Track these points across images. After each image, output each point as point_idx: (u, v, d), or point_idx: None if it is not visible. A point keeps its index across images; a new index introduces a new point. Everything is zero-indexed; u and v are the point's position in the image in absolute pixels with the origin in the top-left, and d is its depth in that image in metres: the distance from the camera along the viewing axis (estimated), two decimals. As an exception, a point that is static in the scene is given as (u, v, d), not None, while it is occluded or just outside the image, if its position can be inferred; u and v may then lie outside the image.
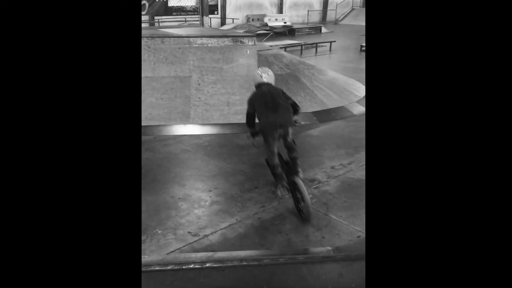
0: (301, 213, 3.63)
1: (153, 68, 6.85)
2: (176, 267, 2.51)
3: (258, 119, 3.67)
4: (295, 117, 3.72)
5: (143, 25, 10.62)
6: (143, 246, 3.24)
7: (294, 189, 3.69)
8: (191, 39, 6.99)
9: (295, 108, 3.74)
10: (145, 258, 2.90)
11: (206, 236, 3.44)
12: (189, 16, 10.97)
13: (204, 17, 9.91)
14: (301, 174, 3.69)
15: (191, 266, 2.55)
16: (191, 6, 10.55)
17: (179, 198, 4.11)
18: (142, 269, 2.31)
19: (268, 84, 3.79)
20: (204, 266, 2.53)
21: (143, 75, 6.87)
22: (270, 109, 3.57)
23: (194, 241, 3.36)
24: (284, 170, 3.80)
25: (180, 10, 10.50)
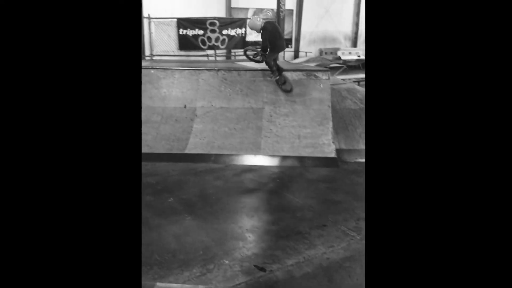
0: (283, 87, 6.87)
1: (228, 99, 7.14)
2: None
3: (270, 44, 6.41)
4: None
5: (220, 58, 11.22)
6: (210, 275, 3.28)
7: (281, 76, 6.93)
8: (266, 73, 7.20)
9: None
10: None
11: (272, 271, 3.38)
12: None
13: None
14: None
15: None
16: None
17: (246, 229, 4.12)
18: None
19: (270, 22, 6.44)
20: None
21: (218, 105, 7.19)
22: (278, 39, 6.57)
23: (260, 276, 3.31)
24: (276, 68, 6.84)
25: (256, 44, 10.92)
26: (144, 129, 7.00)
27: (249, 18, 6.34)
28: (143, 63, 9.15)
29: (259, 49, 6.61)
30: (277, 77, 6.85)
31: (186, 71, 8.03)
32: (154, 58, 10.02)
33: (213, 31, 9.67)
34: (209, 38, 9.72)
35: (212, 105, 7.42)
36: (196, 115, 7.31)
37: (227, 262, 3.49)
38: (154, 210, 4.52)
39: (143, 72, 7.83)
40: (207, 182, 5.45)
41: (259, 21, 6.34)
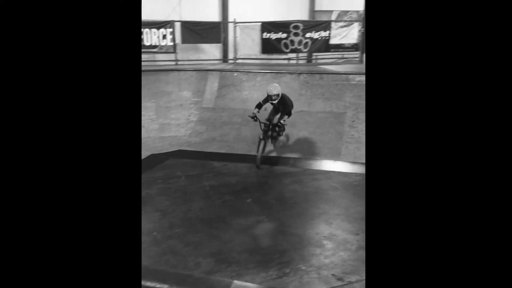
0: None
1: (309, 103, 7.07)
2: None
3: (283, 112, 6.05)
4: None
5: (301, 61, 11.15)
6: (286, 280, 3.25)
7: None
8: (350, 76, 6.99)
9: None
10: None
11: (351, 283, 3.24)
12: (347, 52, 11.04)
13: (364, 54, 9.89)
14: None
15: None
16: (350, 43, 10.61)
17: (324, 236, 4.01)
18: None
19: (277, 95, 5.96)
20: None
21: (299, 109, 7.15)
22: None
23: (338, 286, 3.19)
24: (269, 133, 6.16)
25: (338, 47, 10.66)
26: (225, 130, 7.24)
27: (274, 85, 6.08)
28: (227, 66, 9.49)
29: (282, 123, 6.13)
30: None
31: (268, 74, 8.14)
32: (238, 61, 10.32)
33: (296, 34, 9.64)
34: (291, 42, 9.71)
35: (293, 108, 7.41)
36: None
37: (303, 267, 3.43)
38: (232, 209, 4.63)
39: (226, 74, 8.11)
40: (284, 185, 5.44)
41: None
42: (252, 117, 6.03)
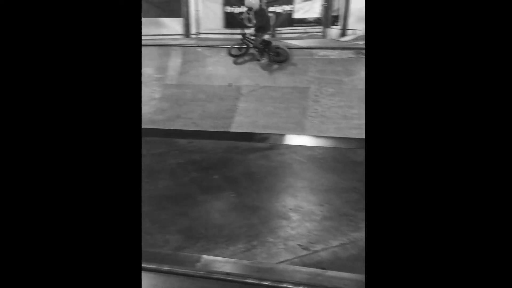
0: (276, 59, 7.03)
1: (274, 78, 7.08)
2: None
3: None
4: None
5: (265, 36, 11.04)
6: (254, 252, 3.33)
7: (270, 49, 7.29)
8: (313, 51, 7.03)
9: None
10: (255, 264, 2.97)
11: (316, 252, 3.38)
12: (310, 27, 11.05)
13: (326, 28, 9.93)
14: None
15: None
16: (313, 17, 10.62)
17: (290, 209, 4.12)
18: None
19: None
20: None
21: (262, 84, 7.15)
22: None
23: (304, 255, 3.32)
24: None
25: (302, 22, 10.65)
26: (190, 107, 7.14)
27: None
28: (189, 41, 9.25)
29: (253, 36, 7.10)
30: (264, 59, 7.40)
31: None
32: (200, 36, 10.08)
33: (259, 8, 9.51)
34: (255, 16, 9.59)
35: (257, 84, 7.39)
36: (241, 94, 7.33)
37: (271, 240, 3.52)
38: (200, 186, 4.64)
39: (190, 50, 7.92)
40: (251, 161, 5.49)
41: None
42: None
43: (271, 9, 9.58)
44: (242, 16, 7.21)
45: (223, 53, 8.06)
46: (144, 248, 3.35)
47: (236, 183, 4.74)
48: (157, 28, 10.26)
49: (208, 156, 5.66)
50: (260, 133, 6.52)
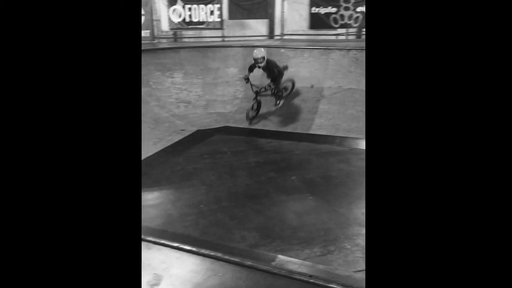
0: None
1: (358, 81, 6.84)
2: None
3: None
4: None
5: (351, 37, 10.76)
6: (331, 257, 3.24)
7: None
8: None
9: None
10: (332, 270, 2.88)
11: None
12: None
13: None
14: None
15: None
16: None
17: (370, 217, 3.94)
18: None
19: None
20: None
21: (347, 86, 6.94)
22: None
23: (384, 267, 3.14)
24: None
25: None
26: (270, 107, 7.22)
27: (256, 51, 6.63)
28: (273, 43, 9.34)
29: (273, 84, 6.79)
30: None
31: (316, 50, 7.94)
32: (284, 37, 10.13)
33: (346, 8, 9.21)
34: (341, 16, 9.31)
35: (340, 86, 7.21)
36: (323, 96, 7.20)
37: (349, 246, 3.40)
38: (277, 186, 4.66)
39: (273, 51, 8.00)
40: (330, 164, 5.37)
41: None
42: (245, 79, 6.66)
43: (358, 9, 9.26)
44: (243, 77, 6.74)
45: (307, 54, 8.01)
46: (224, 243, 3.47)
47: (313, 185, 4.67)
48: (242, 30, 10.57)
49: (286, 157, 5.67)
50: (341, 136, 6.35)
